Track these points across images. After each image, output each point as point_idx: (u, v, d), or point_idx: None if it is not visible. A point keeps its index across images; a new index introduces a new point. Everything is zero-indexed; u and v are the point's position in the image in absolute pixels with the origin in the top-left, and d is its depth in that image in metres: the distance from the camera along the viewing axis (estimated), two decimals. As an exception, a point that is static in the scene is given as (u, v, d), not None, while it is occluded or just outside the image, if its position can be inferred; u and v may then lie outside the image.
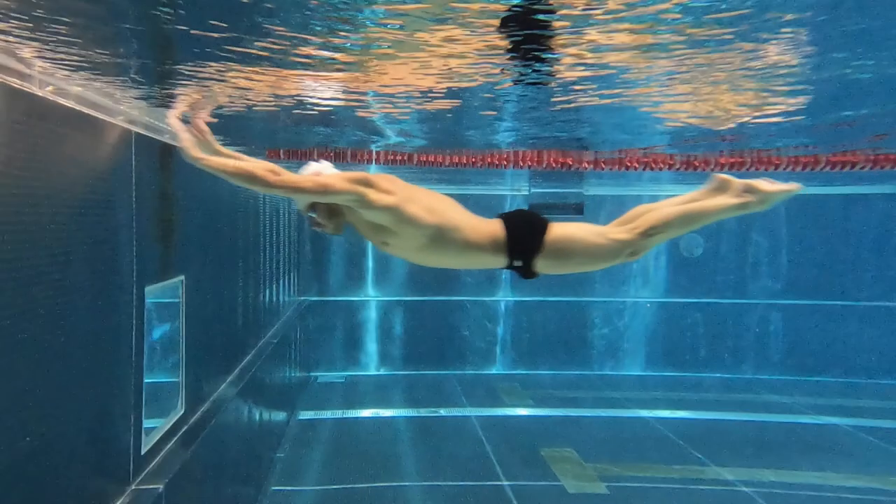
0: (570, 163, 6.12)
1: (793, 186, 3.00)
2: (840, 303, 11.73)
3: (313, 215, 2.88)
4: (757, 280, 11.98)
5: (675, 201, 3.06)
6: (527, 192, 11.41)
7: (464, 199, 3.07)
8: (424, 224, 2.81)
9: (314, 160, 2.91)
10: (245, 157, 2.83)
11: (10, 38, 2.28)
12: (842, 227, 11.77)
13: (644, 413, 9.63)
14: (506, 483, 7.00)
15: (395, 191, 2.79)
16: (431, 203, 2.88)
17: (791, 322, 11.86)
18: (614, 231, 2.97)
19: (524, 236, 2.93)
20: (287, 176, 2.64)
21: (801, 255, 11.83)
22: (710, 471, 7.46)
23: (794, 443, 8.56)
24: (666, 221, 2.94)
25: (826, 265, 11.77)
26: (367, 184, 2.74)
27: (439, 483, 7.02)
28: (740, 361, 11.93)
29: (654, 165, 6.26)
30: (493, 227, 2.92)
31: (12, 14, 2.06)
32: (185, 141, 2.64)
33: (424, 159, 6.20)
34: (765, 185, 2.96)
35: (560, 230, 2.96)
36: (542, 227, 2.95)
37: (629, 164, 6.24)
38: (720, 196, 3.00)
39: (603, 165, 6.20)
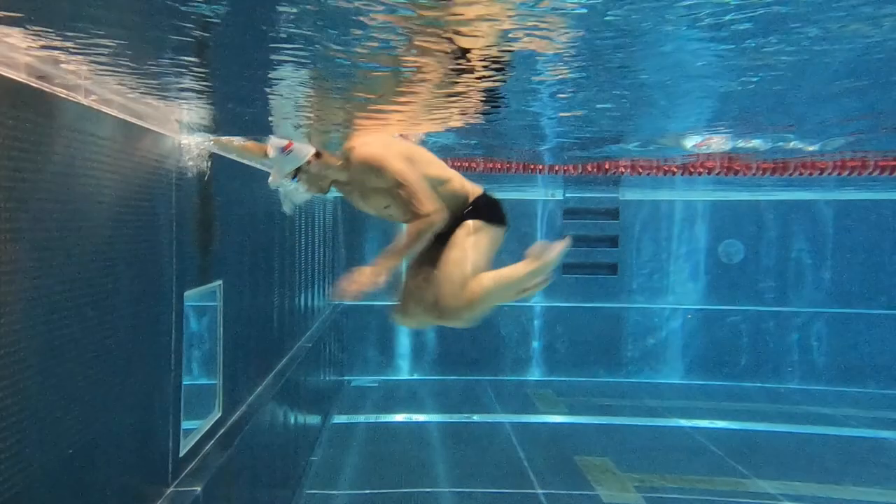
0: (607, 167, 6.04)
1: (561, 245, 3.41)
2: (888, 312, 11.30)
3: (295, 182, 3.04)
4: (801, 287, 11.61)
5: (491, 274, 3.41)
6: (561, 197, 11.29)
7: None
8: (440, 177, 3.22)
9: (275, 136, 3.06)
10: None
11: (56, 43, 2.30)
12: (889, 232, 11.34)
13: (683, 422, 9.42)
14: (540, 491, 6.92)
15: (411, 154, 3.21)
16: (430, 157, 3.28)
17: (837, 331, 11.47)
18: (476, 281, 3.28)
19: (489, 205, 3.42)
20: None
21: (846, 261, 11.44)
22: (752, 484, 7.24)
23: (840, 456, 8.25)
24: (486, 290, 3.32)
25: (873, 272, 11.35)
26: (412, 162, 3.12)
27: (472, 489, 6.98)
28: (783, 371, 11.57)
29: (692, 170, 6.13)
30: (472, 186, 3.34)
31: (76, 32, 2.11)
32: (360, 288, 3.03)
33: (458, 164, 6.20)
34: (545, 253, 3.42)
35: (493, 230, 3.35)
36: (501, 211, 3.43)
37: (667, 169, 6.13)
38: (522, 264, 3.44)
39: (640, 170, 6.10)
